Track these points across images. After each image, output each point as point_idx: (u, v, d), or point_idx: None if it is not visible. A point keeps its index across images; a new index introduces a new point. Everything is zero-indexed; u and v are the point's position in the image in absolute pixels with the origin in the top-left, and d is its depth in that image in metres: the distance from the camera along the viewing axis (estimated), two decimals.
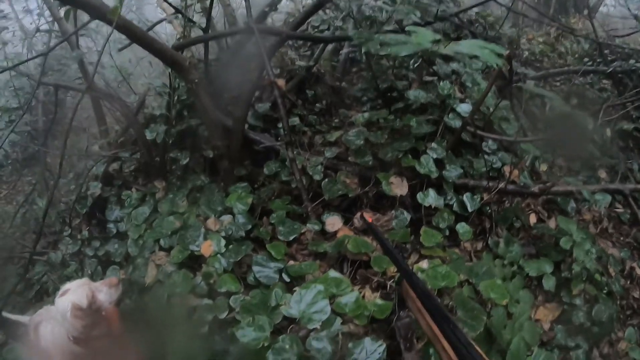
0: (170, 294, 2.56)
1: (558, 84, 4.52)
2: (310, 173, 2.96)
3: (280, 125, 3.25)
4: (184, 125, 3.23)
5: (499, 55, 1.89)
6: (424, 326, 1.42)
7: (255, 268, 2.55)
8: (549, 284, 2.88)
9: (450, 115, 3.04)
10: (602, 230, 3.55)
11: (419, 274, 2.34)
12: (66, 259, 3.75)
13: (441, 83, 3.09)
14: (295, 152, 2.93)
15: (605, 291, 3.00)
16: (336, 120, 3.50)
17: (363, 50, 2.40)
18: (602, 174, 3.86)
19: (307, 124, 3.40)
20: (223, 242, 2.67)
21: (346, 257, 2.67)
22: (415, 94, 3.09)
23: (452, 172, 2.96)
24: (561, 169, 3.84)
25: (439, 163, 2.95)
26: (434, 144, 2.95)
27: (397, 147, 2.90)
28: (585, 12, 6.04)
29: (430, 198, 2.86)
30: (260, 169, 3.14)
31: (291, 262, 2.65)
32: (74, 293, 2.10)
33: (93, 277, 3.33)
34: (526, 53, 4.77)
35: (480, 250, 3.02)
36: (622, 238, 3.61)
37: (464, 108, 3.07)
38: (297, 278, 2.54)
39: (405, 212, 2.85)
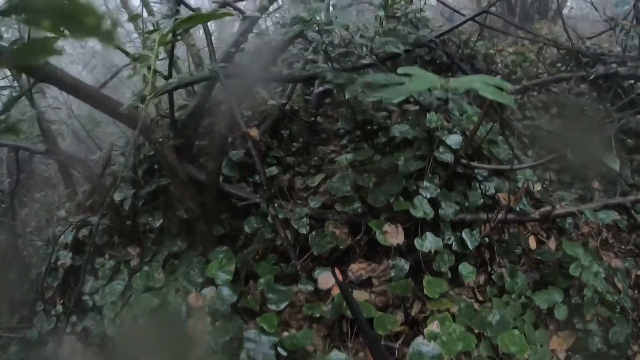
0: None
1: (535, 93, 4.25)
2: (296, 227, 2.64)
3: (257, 171, 2.89)
4: (154, 186, 2.86)
5: (505, 91, 1.57)
6: None
7: (247, 345, 2.22)
8: (561, 313, 2.63)
9: (441, 148, 2.72)
10: (603, 242, 3.30)
11: (432, 341, 2.00)
12: (43, 336, 3.32)
13: (428, 115, 2.76)
14: (277, 205, 2.59)
15: (617, 310, 2.77)
16: (315, 159, 3.18)
17: (347, 97, 2.06)
18: (595, 183, 3.61)
19: (285, 166, 3.05)
20: (208, 319, 2.32)
21: (344, 316, 2.36)
22: (401, 129, 2.76)
23: (448, 209, 2.66)
24: (552, 183, 3.57)
25: (433, 201, 2.64)
26: (426, 182, 2.65)
27: (387, 191, 2.59)
28: (550, 15, 5.90)
29: (428, 242, 2.55)
30: (240, 221, 2.80)
31: (286, 333, 2.31)
32: None
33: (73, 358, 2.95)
34: (500, 65, 4.50)
35: (484, 285, 2.74)
36: (622, 246, 3.37)
37: (454, 140, 2.76)
38: (295, 351, 2.20)
39: (402, 260, 2.55)
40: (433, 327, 2.12)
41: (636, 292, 3.06)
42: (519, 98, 4.05)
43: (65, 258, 3.39)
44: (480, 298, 2.66)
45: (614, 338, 2.62)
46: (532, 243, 2.95)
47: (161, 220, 2.92)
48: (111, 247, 3.35)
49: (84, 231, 3.45)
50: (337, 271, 2.01)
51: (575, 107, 4.07)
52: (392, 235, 2.49)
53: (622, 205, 3.01)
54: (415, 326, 2.45)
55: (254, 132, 2.44)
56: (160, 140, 2.46)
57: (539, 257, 2.91)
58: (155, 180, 2.88)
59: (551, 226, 3.13)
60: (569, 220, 3.06)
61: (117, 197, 3.13)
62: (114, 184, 3.27)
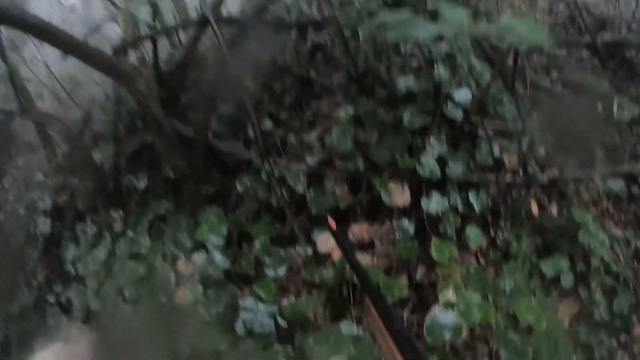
0: None
1: (535, 57, 3.97)
2: (292, 184, 2.34)
3: (249, 127, 2.61)
4: (137, 143, 2.53)
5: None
6: (385, 350, 1.01)
7: (243, 315, 1.94)
8: (567, 282, 2.43)
9: (449, 104, 2.42)
10: (603, 211, 3.07)
11: (450, 310, 1.74)
12: (25, 310, 3.01)
13: (435, 68, 2.45)
14: (271, 161, 2.30)
15: (621, 280, 2.60)
16: (308, 114, 2.86)
17: (361, 37, 1.74)
18: (597, 151, 3.40)
19: (277, 122, 2.74)
20: (199, 287, 2.04)
21: (345, 279, 2.08)
22: (407, 82, 2.46)
23: (456, 169, 2.38)
24: (555, 148, 3.34)
25: (440, 160, 2.36)
26: (432, 140, 2.36)
27: (392, 147, 2.30)
28: None
29: (435, 202, 2.27)
30: (231, 180, 2.50)
31: (285, 301, 2.05)
32: None
33: (59, 330, 2.69)
34: None
35: (486, 249, 2.48)
36: (622, 216, 3.16)
37: (463, 96, 2.45)
38: (296, 320, 1.96)
39: (407, 221, 2.26)
40: (449, 295, 1.86)
41: (635, 262, 2.88)
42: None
43: (45, 225, 3.06)
44: (483, 262, 2.41)
45: (618, 308, 2.47)
46: (534, 208, 2.72)
47: (146, 180, 2.60)
48: (94, 211, 3.03)
49: (64, 195, 3.11)
50: (330, 220, 1.74)
51: (577, 72, 3.84)
52: (398, 194, 2.22)
53: (630, 174, 2.90)
54: (420, 291, 2.21)
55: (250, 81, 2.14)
56: (144, 91, 2.13)
57: (542, 223, 2.67)
58: (139, 137, 2.55)
59: (552, 191, 2.89)
60: (570, 186, 2.87)
61: (97, 157, 2.81)
62: (94, 143, 2.93)
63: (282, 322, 1.93)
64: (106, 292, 2.38)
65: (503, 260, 2.41)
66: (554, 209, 2.82)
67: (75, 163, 3.15)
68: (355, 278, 1.92)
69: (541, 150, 3.00)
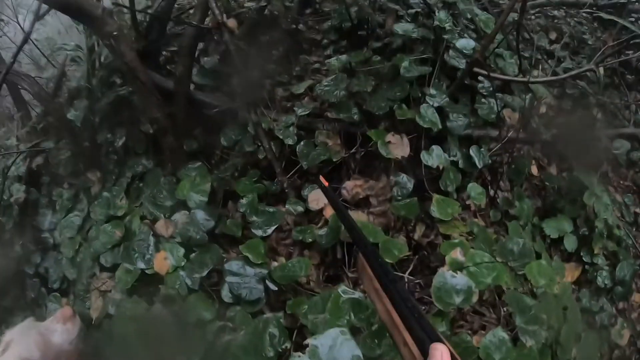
0: (122, 334, 1.70)
1: (533, 17, 3.73)
2: (281, 137, 2.11)
3: (233, 81, 2.33)
4: (112, 96, 2.25)
5: None
6: (381, 312, 0.92)
7: (230, 280, 1.73)
8: (570, 244, 2.34)
9: (451, 52, 2.19)
10: (603, 175, 2.97)
11: (459, 272, 1.51)
12: (4, 283, 2.76)
13: (437, 13, 2.20)
14: (258, 112, 2.06)
15: (623, 245, 2.59)
16: (297, 69, 2.63)
17: None
18: (597, 113, 3.22)
19: (265, 75, 2.48)
20: (181, 250, 1.82)
21: (340, 239, 1.91)
22: (405, 28, 2.20)
23: (457, 122, 2.16)
24: (552, 108, 3.14)
25: (439, 112, 2.13)
26: (432, 90, 2.12)
27: (389, 96, 2.07)
28: None
29: (435, 157, 2.05)
30: (215, 136, 2.26)
31: (274, 263, 1.84)
32: (20, 344, 1.38)
33: (39, 304, 2.47)
34: None
35: (485, 208, 2.28)
36: (621, 182, 3.12)
37: (464, 44, 2.21)
38: (288, 284, 1.76)
39: (405, 177, 2.04)
40: (456, 254, 1.63)
41: (634, 229, 2.87)
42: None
43: (19, 192, 2.79)
44: (482, 223, 2.21)
45: (620, 274, 2.44)
46: (534, 168, 2.57)
47: (124, 138, 2.34)
48: (71, 175, 2.76)
49: (39, 160, 2.84)
50: (322, 178, 1.53)
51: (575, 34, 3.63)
52: (397, 146, 1.99)
53: (635, 136, 2.79)
54: (419, 252, 2.01)
55: (233, 23, 1.86)
56: (115, 33, 1.85)
57: (544, 183, 2.57)
58: (114, 90, 2.27)
59: (552, 153, 2.73)
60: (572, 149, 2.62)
61: (72, 116, 2.53)
62: (69, 101, 2.65)
63: (272, 287, 1.73)
64: (82, 259, 2.15)
65: (505, 220, 2.24)
66: (553, 171, 2.68)
67: (49, 123, 2.86)
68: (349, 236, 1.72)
69: (542, 108, 2.81)
